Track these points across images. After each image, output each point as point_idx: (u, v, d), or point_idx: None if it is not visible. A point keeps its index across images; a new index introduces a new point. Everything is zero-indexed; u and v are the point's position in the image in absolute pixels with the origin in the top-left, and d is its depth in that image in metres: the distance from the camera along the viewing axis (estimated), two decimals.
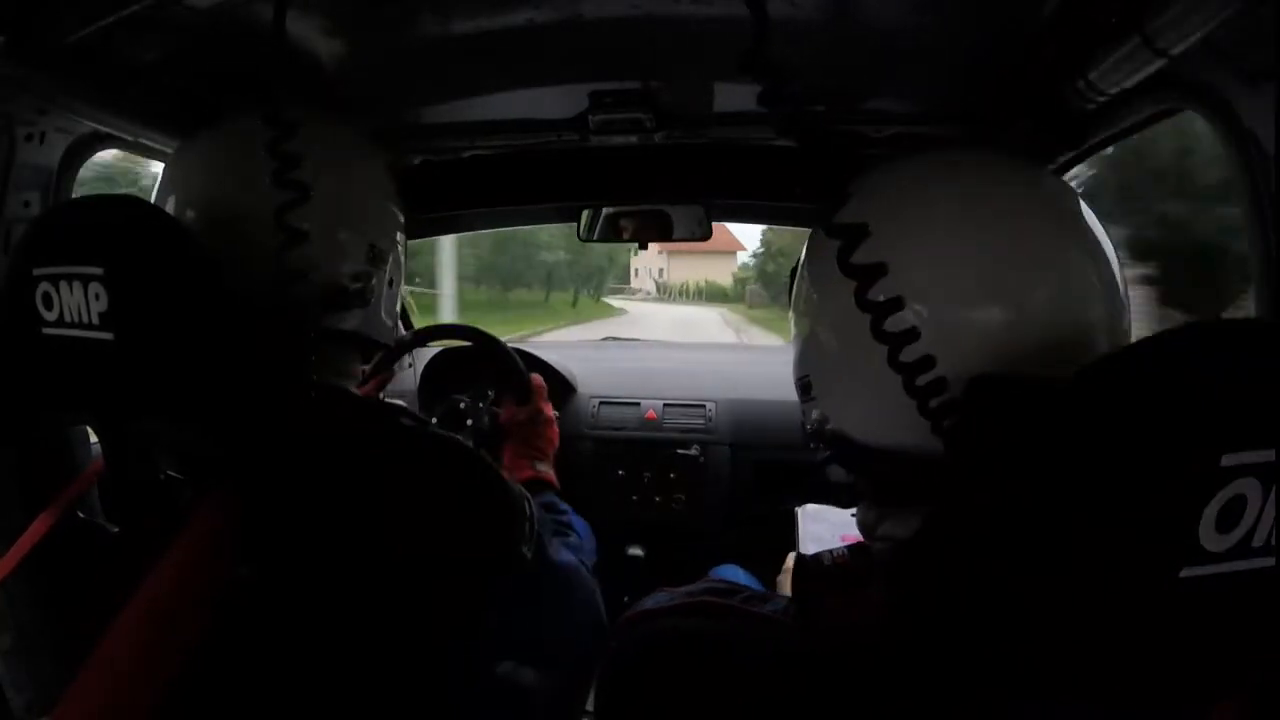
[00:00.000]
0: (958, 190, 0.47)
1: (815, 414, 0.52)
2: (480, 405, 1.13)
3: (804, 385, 0.54)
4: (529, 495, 0.66)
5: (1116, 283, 0.46)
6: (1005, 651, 0.34)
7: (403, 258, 0.72)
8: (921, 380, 0.41)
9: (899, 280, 0.41)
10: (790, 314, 0.57)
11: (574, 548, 0.78)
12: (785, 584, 0.83)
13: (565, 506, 0.91)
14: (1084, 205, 0.48)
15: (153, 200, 0.62)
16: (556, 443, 1.06)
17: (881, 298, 0.41)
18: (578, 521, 0.90)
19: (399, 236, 0.71)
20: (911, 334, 0.41)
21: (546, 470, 1.00)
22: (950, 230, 0.45)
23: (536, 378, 1.09)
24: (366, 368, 0.73)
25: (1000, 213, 0.45)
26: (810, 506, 1.01)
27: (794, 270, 0.57)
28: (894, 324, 0.41)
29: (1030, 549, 0.32)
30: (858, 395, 0.48)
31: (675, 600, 0.52)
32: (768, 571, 0.94)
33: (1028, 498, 0.33)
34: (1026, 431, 0.33)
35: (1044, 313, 0.43)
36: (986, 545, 0.34)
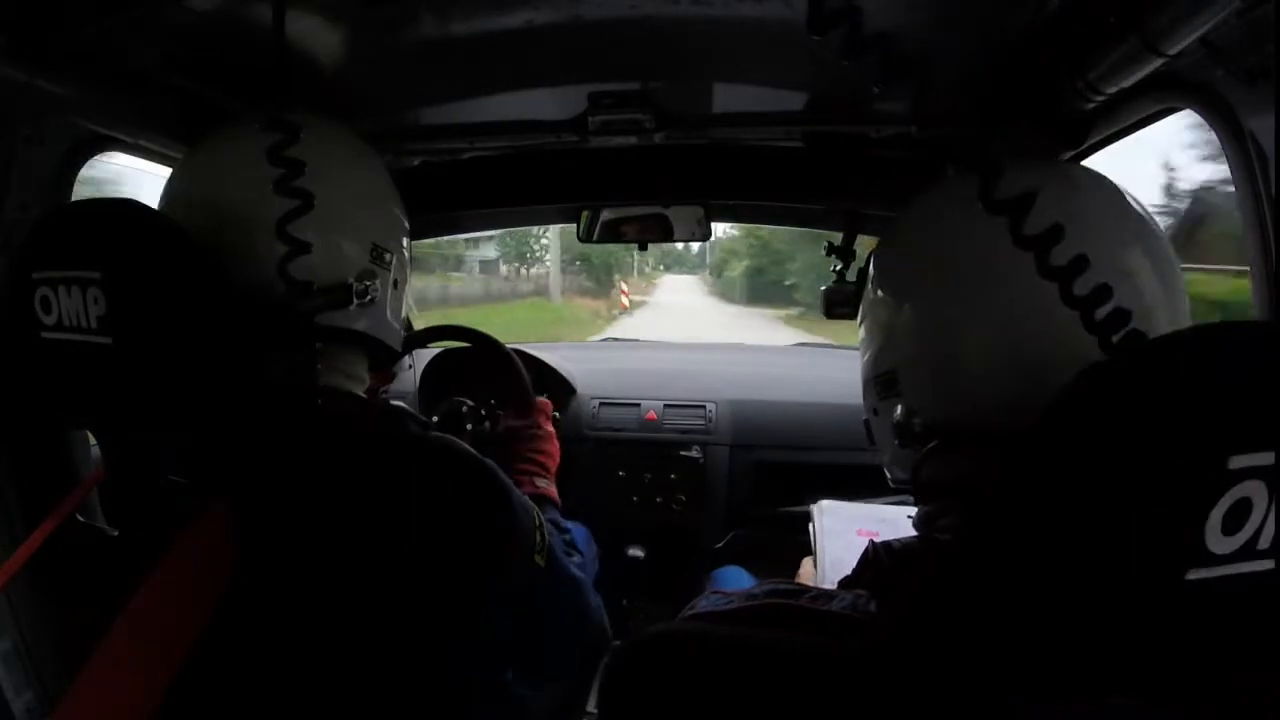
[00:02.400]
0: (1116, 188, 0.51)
1: (899, 410, 0.52)
2: (482, 411, 1.13)
3: (886, 381, 0.53)
4: (537, 507, 0.66)
5: None
6: (1015, 651, 0.34)
7: (408, 258, 0.72)
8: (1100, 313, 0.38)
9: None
10: (869, 313, 0.57)
11: (579, 565, 0.77)
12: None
13: (568, 525, 0.91)
14: None
15: (158, 206, 0.62)
16: (558, 458, 1.05)
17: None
18: (579, 535, 0.89)
19: (403, 237, 0.71)
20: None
21: (547, 486, 0.99)
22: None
23: (544, 401, 1.09)
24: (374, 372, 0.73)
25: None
26: (826, 502, 1.00)
27: (862, 273, 0.56)
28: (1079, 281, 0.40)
29: (1042, 549, 0.32)
30: (961, 373, 0.49)
31: (734, 604, 0.49)
32: (771, 573, 0.93)
33: (1041, 496, 0.33)
34: (1046, 428, 0.33)
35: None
36: (1002, 543, 0.34)
